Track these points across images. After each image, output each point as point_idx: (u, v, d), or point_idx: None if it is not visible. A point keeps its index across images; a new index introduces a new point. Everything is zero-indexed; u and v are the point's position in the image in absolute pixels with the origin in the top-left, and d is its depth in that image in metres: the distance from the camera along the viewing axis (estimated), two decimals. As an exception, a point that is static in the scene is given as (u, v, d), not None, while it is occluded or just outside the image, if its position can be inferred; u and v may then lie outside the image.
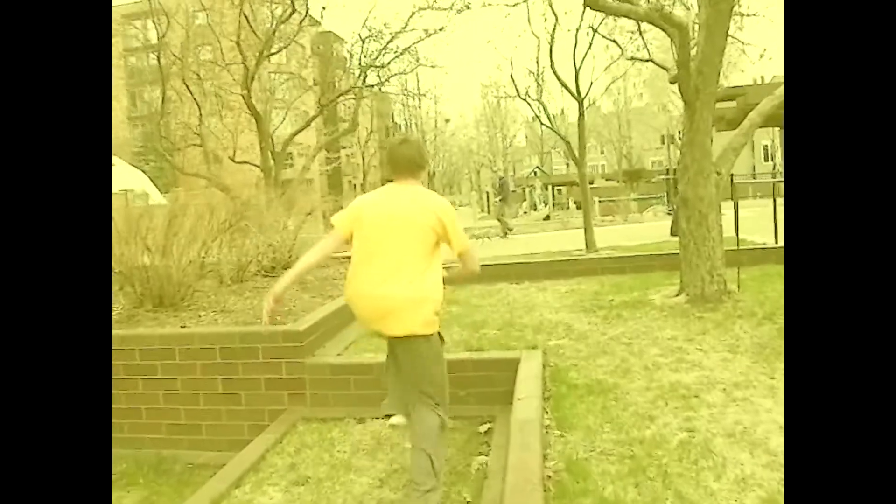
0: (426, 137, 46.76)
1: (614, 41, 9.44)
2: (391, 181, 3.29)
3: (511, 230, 16.61)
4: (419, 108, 70.64)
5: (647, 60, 8.05)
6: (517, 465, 2.90)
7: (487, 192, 58.93)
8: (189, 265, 6.69)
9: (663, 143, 57.87)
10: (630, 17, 5.02)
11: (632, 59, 8.94)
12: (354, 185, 69.45)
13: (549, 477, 2.80)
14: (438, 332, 3.22)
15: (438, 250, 3.16)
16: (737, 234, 6.49)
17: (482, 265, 8.14)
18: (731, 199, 7.75)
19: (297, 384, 4.98)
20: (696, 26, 6.22)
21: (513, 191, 49.39)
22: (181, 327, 5.71)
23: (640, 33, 8.33)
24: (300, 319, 5.47)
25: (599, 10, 5.58)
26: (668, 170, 40.92)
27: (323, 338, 5.38)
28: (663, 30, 5.97)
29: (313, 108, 48.00)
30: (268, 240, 9.31)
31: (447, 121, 59.11)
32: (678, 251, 8.31)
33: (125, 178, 17.85)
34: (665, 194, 30.36)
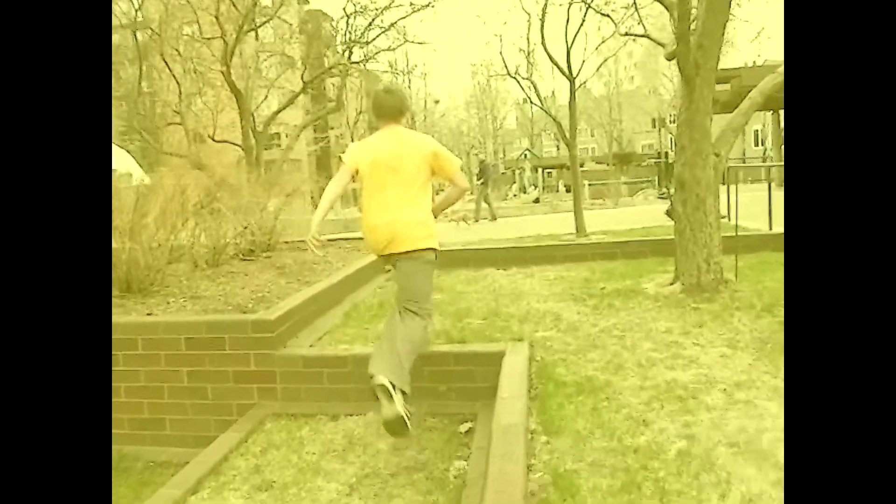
0: (416, 118, 46.19)
1: (608, 16, 9.07)
2: (377, 128, 3.91)
3: (495, 218, 16.18)
4: (409, 87, 69.98)
5: (643, 36, 7.71)
6: (498, 478, 2.60)
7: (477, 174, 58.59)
8: (158, 248, 6.34)
9: (654, 126, 57.62)
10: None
11: (626, 34, 8.58)
12: (343, 166, 68.69)
13: (533, 493, 2.50)
14: (434, 249, 3.80)
15: (429, 181, 3.80)
16: (735, 220, 6.18)
17: (469, 249, 7.82)
18: (725, 184, 7.46)
19: (267, 377, 4.66)
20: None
21: (502, 173, 48.90)
22: (147, 315, 5.38)
23: (636, 7, 7.97)
24: (272, 307, 5.14)
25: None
26: (659, 153, 40.79)
27: (296, 327, 5.06)
28: (660, 2, 5.63)
29: (300, 87, 47.28)
30: (244, 221, 8.94)
31: (437, 102, 58.44)
32: (671, 236, 8.03)
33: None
34: (656, 178, 30.12)
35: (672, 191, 18.18)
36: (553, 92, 51.30)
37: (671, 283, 5.60)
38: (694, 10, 5.46)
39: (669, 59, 6.48)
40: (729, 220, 7.39)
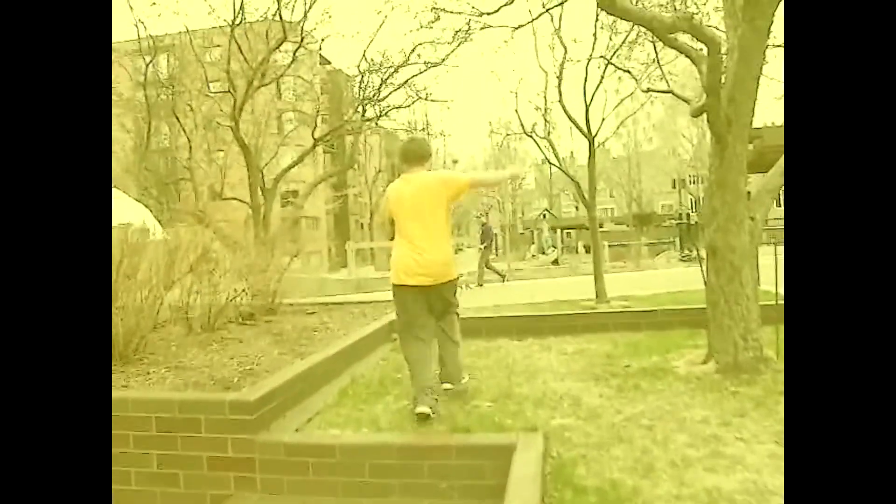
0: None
1: (628, 71, 8.71)
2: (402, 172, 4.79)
3: (503, 277, 15.65)
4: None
5: (666, 92, 7.30)
6: None
7: (495, 234, 58.33)
8: (142, 312, 5.87)
9: (674, 187, 57.31)
10: (652, 28, 4.25)
11: (648, 90, 8.20)
12: (362, 225, 68.91)
13: None
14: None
15: (448, 211, 4.62)
16: (775, 286, 5.56)
17: (482, 318, 7.26)
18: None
19: (246, 465, 4.09)
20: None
21: (521, 233, 48.48)
22: (122, 386, 4.87)
23: (658, 62, 7.59)
24: (257, 384, 4.61)
25: (617, 16, 4.84)
26: (680, 214, 40.30)
27: (283, 406, 4.51)
28: (687, 55, 5.21)
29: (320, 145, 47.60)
30: (244, 283, 8.49)
31: (455, 161, 58.63)
32: (700, 305, 7.44)
33: (125, 211, 17.22)
34: (677, 239, 29.53)
35: (694, 253, 17.50)
36: (572, 153, 51.37)
37: (704, 362, 5.01)
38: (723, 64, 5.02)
39: (696, 116, 6.04)
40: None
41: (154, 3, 10.78)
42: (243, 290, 8.06)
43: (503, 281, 15.47)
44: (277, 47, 10.07)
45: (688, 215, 33.99)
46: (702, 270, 5.31)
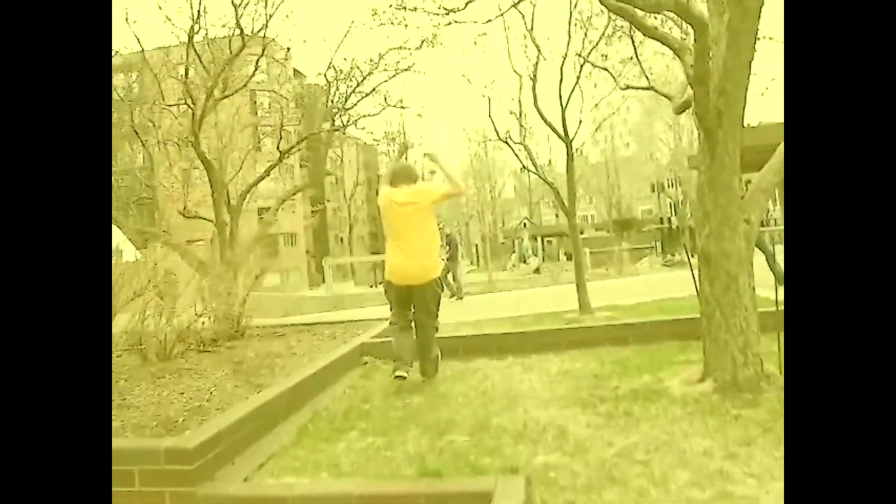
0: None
1: (605, 69, 8.30)
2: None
3: (461, 297, 14.95)
4: (406, 159, 70.19)
5: (647, 88, 6.89)
6: None
7: (476, 245, 57.88)
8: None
9: (653, 191, 57.32)
10: (635, 4, 3.79)
11: (627, 87, 7.78)
12: (341, 240, 68.24)
13: None
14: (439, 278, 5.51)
15: (433, 218, 5.56)
16: (776, 292, 5.12)
17: (459, 336, 6.77)
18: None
19: (186, 524, 3.57)
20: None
21: (501, 243, 48.06)
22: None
23: (637, 56, 7.16)
24: (204, 425, 4.09)
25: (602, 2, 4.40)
26: (661, 218, 40.16)
27: (231, 451, 3.99)
28: (669, 45, 4.78)
29: (296, 159, 46.55)
30: (203, 307, 7.95)
31: (433, 172, 58.33)
32: (690, 316, 7.01)
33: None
34: (658, 244, 29.27)
35: (677, 257, 17.19)
36: (550, 161, 51.20)
37: (700, 380, 4.55)
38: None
39: (679, 112, 5.63)
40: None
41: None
42: (200, 316, 7.51)
43: (460, 299, 14.72)
44: (237, 55, 9.55)
45: (669, 219, 33.77)
46: (694, 280, 4.87)
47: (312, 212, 44.44)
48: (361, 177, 68.10)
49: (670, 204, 53.85)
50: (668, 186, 54.25)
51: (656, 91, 6.70)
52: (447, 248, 15.14)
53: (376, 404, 5.07)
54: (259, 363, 6.35)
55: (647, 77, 6.82)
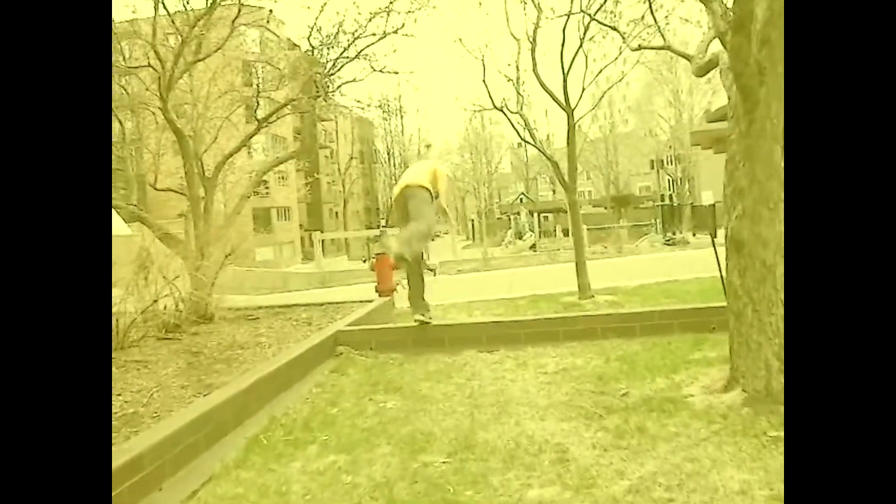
0: (408, 164, 44.76)
1: (614, 28, 7.47)
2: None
3: (434, 273, 14.02)
4: (402, 133, 69.13)
5: (664, 48, 6.10)
6: None
7: (472, 221, 57.04)
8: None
9: (652, 167, 56.42)
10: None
11: (639, 48, 6.99)
12: (336, 214, 67.33)
13: None
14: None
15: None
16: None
17: (445, 325, 6.05)
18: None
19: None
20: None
21: (498, 218, 47.38)
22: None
23: (652, 12, 6.34)
24: (128, 442, 3.37)
25: None
26: (662, 195, 39.25)
27: (159, 474, 3.28)
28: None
29: (290, 131, 45.75)
30: (170, 289, 7.23)
31: (428, 146, 57.41)
32: (702, 304, 6.31)
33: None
34: (658, 222, 28.51)
35: (679, 236, 16.44)
36: (548, 135, 50.25)
37: (725, 388, 3.84)
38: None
39: (701, 75, 4.87)
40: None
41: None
42: (157, 300, 6.78)
43: (434, 275, 13.81)
44: (208, 13, 8.70)
45: (670, 197, 33.03)
46: (720, 271, 4.15)
47: (305, 184, 43.56)
48: (356, 150, 67.06)
49: (669, 181, 53.04)
50: (668, 164, 53.40)
51: (673, 51, 5.92)
52: None
53: (345, 408, 4.37)
54: (219, 354, 5.64)
55: (662, 35, 6.03)
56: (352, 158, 65.75)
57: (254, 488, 3.20)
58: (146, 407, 4.07)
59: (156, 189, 10.34)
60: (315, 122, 11.71)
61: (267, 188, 50.63)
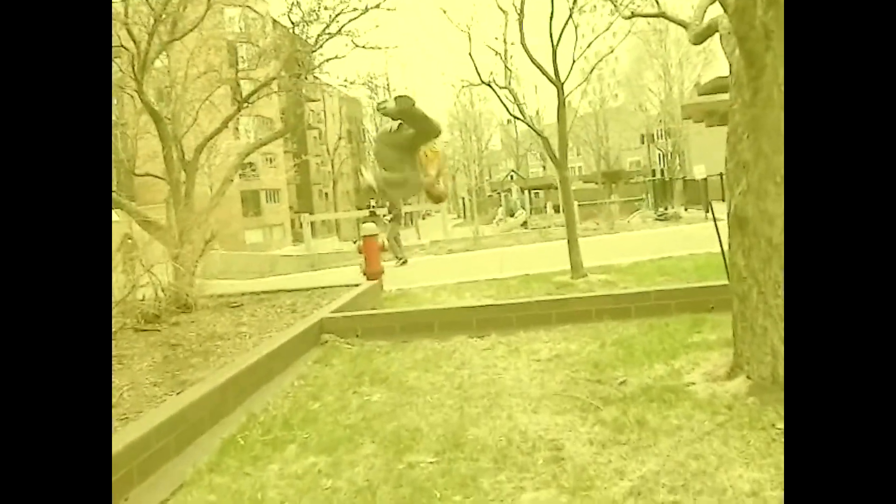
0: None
1: (605, -6, 7.19)
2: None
3: (405, 261, 13.58)
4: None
5: (658, 15, 5.81)
6: None
7: (463, 199, 56.67)
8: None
9: (643, 142, 56.09)
10: None
11: (632, 15, 6.69)
12: (326, 195, 66.81)
13: None
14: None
15: None
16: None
17: (435, 310, 5.82)
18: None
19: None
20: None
21: (488, 196, 47.04)
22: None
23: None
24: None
25: None
26: (654, 171, 39.00)
27: (126, 482, 3.05)
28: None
29: (276, 112, 45.17)
30: (148, 277, 6.97)
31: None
32: (699, 284, 6.10)
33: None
34: (649, 197, 28.28)
35: (671, 210, 16.16)
36: (538, 111, 49.81)
37: (729, 375, 3.63)
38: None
39: (698, 42, 4.60)
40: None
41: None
42: (133, 289, 6.52)
43: (404, 263, 13.37)
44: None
45: (661, 171, 32.79)
46: (721, 248, 3.92)
47: (294, 165, 43.05)
48: (344, 130, 66.41)
49: (660, 155, 52.76)
50: (658, 138, 53.12)
51: (667, 18, 5.63)
52: (390, 209, 13.75)
53: (328, 403, 4.14)
54: (198, 346, 5.40)
55: (656, 1, 5.74)
56: (340, 139, 65.11)
57: (227, 495, 2.98)
58: (115, 408, 3.82)
59: (135, 175, 10.02)
60: (301, 101, 11.36)
61: (254, 170, 50.15)
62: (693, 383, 3.66)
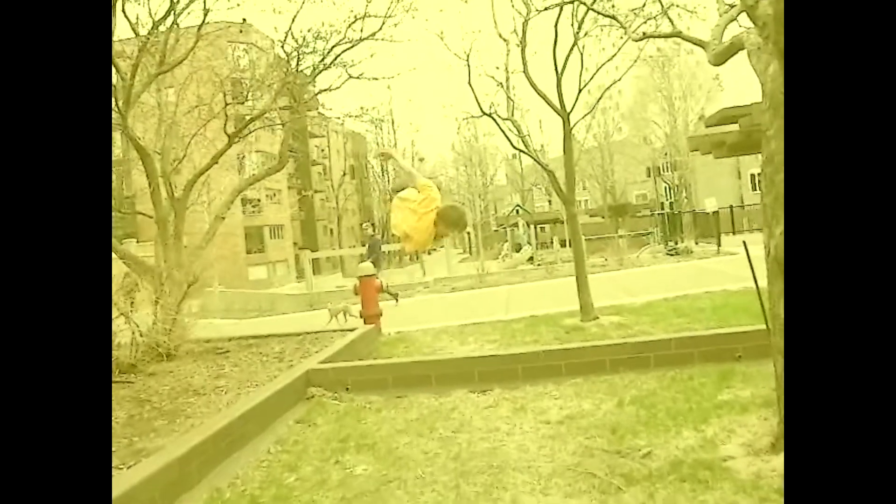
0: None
1: (613, 17, 6.70)
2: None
3: (396, 297, 13.17)
4: (395, 146, 68.58)
5: (674, 35, 5.35)
6: None
7: (468, 233, 56.35)
8: None
9: (649, 175, 55.76)
10: None
11: (644, 37, 6.23)
12: (331, 231, 66.52)
13: None
14: None
15: None
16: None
17: (432, 361, 5.29)
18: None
19: None
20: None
21: (494, 230, 46.65)
22: None
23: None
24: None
25: None
26: (662, 203, 38.44)
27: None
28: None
29: (278, 147, 45.37)
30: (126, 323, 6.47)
31: (422, 160, 56.77)
32: (720, 329, 5.56)
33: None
34: (657, 231, 27.75)
35: (682, 245, 15.57)
36: (542, 146, 49.64)
37: (774, 446, 3.07)
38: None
39: (720, 62, 4.13)
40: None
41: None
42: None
43: (395, 302, 12.97)
44: (164, 18, 7.99)
45: (671, 205, 32.28)
46: (758, 295, 3.39)
47: (298, 201, 42.77)
48: (348, 166, 66.46)
49: (666, 188, 52.40)
50: (664, 171, 52.82)
51: (684, 37, 5.17)
52: (369, 252, 13.32)
53: (305, 476, 3.58)
54: (166, 405, 4.86)
55: (670, 20, 5.28)
56: (344, 174, 65.13)
57: None
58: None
59: (121, 213, 9.60)
60: (291, 135, 10.98)
61: (254, 207, 49.95)
62: (731, 457, 3.10)
